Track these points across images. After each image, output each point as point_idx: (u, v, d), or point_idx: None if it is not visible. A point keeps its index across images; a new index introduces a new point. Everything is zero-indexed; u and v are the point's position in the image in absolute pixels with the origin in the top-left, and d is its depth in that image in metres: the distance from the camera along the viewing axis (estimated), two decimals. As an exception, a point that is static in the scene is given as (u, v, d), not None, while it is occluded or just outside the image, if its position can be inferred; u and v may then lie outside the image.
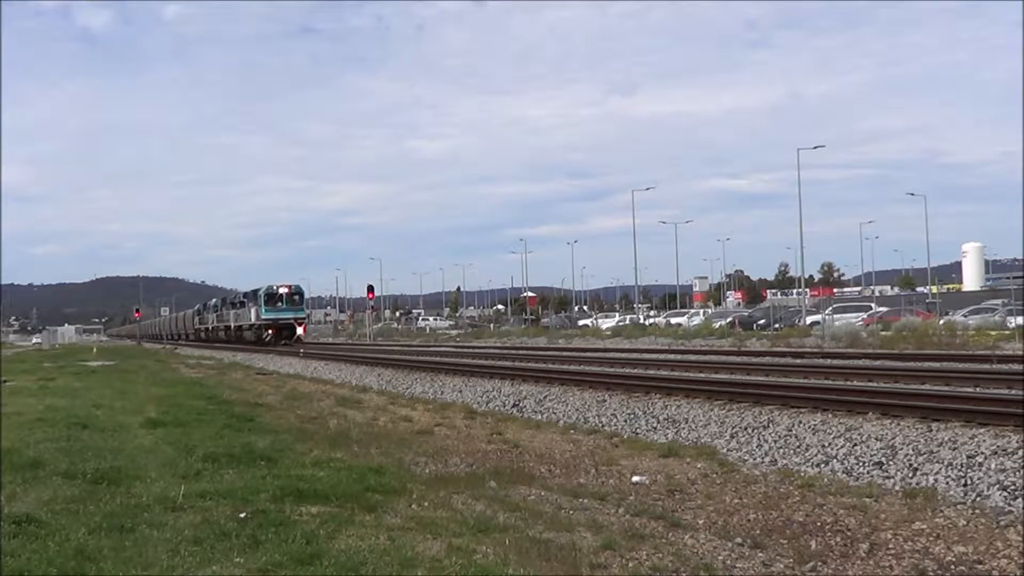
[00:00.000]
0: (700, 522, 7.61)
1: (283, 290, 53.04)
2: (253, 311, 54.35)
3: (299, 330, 52.42)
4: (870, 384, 14.43)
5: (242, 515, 7.18)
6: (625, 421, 13.54)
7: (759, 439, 11.04)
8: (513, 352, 33.00)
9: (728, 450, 10.97)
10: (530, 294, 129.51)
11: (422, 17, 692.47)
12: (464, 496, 8.47)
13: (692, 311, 75.52)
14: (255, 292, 55.47)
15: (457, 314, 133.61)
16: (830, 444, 10.14)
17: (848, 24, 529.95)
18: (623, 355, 29.57)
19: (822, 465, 9.70)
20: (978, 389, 13.16)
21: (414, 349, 43.38)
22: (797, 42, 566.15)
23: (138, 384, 24.08)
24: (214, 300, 76.32)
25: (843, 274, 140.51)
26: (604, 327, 63.68)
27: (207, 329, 74.33)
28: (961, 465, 8.58)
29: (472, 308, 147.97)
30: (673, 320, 62.58)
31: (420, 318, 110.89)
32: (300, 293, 54.46)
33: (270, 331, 51.61)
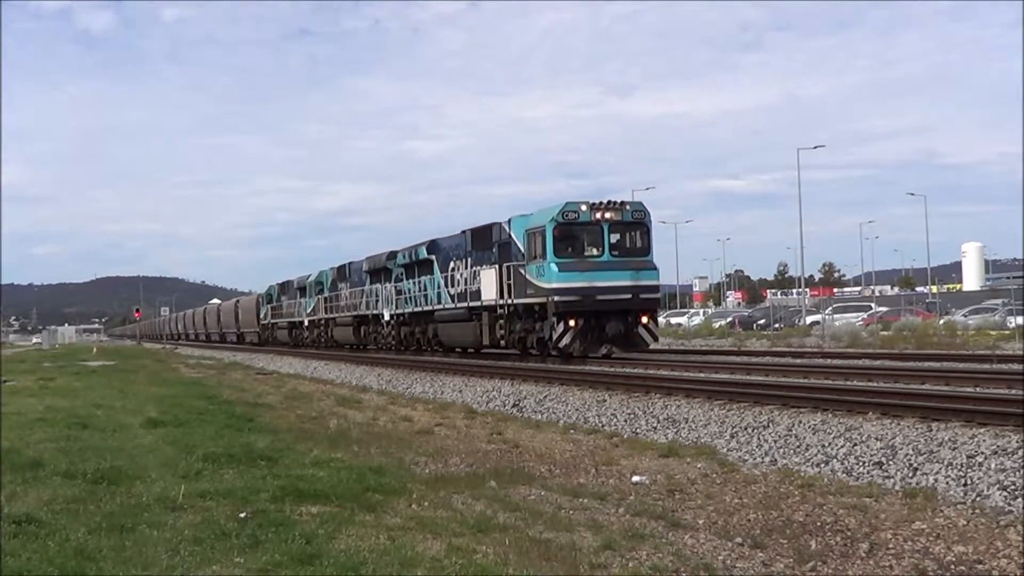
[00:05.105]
0: (700, 522, 7.61)
1: (604, 215, 21.68)
2: (492, 278, 23.58)
3: (644, 320, 21.83)
4: (870, 384, 14.41)
5: (242, 515, 7.19)
6: (625, 421, 13.53)
7: (759, 439, 11.04)
8: (513, 351, 32.91)
9: (728, 450, 10.96)
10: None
11: (418, 19, 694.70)
12: (464, 496, 8.47)
13: (692, 311, 75.45)
14: (486, 231, 24.85)
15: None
16: (830, 444, 10.14)
17: (842, 25, 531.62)
18: (623, 354, 29.50)
19: (822, 465, 9.69)
20: (978, 389, 13.14)
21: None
22: (791, 44, 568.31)
23: (138, 384, 24.08)
24: (311, 275, 43.33)
25: (843, 274, 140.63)
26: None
27: (294, 325, 46.52)
28: (961, 465, 8.57)
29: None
30: (673, 320, 62.50)
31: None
32: (644, 224, 22.44)
33: (571, 322, 21.00)
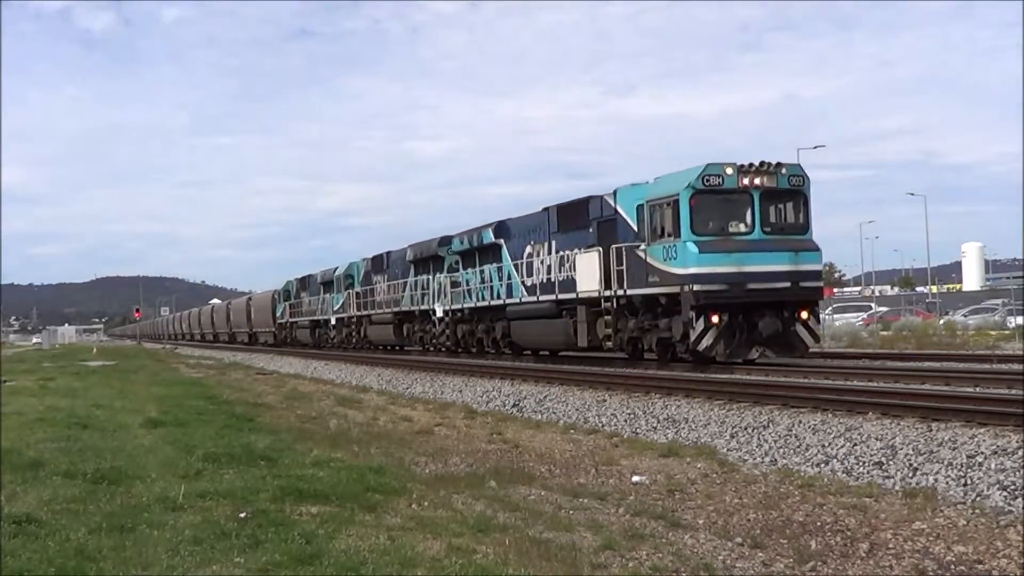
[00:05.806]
0: (700, 522, 7.61)
1: (755, 180, 17.07)
2: (594, 264, 19.23)
3: (803, 315, 17.22)
4: (870, 384, 14.40)
5: (242, 515, 7.19)
6: (625, 421, 13.54)
7: (759, 439, 11.04)
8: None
9: (728, 450, 10.96)
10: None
11: (417, 19, 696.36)
12: (464, 496, 8.48)
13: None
14: (579, 207, 20.88)
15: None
16: (830, 444, 10.14)
17: (840, 26, 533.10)
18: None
19: (822, 465, 9.69)
20: (978, 389, 13.13)
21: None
22: (790, 44, 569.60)
23: (138, 384, 24.09)
24: (339, 267, 39.04)
25: (843, 274, 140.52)
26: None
27: (317, 324, 41.43)
28: (961, 465, 8.57)
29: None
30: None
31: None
32: (803, 193, 17.75)
33: (714, 318, 16.48)
